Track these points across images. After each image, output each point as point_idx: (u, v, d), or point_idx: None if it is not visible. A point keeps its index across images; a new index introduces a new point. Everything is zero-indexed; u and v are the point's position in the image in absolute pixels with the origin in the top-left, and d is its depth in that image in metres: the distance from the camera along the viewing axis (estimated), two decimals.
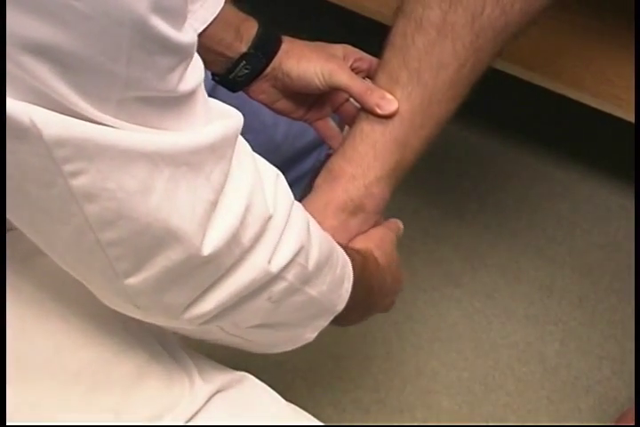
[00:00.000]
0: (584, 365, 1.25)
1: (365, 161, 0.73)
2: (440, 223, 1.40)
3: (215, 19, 0.74)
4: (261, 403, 0.65)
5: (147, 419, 0.60)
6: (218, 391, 0.63)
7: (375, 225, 0.77)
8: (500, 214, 1.41)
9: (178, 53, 0.45)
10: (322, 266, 0.60)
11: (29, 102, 0.41)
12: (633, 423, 1.08)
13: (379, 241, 0.75)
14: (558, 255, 1.37)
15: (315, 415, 0.68)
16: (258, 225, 0.53)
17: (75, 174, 0.44)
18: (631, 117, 1.08)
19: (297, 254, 0.56)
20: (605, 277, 1.35)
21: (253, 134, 0.93)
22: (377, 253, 0.73)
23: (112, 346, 0.61)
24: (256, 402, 0.65)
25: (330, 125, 0.84)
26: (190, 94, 0.48)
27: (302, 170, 0.97)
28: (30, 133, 0.41)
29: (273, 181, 0.56)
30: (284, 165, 0.96)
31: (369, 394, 1.21)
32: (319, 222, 0.67)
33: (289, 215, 0.56)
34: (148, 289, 0.51)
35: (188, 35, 0.45)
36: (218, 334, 0.59)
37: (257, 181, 0.53)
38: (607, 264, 1.36)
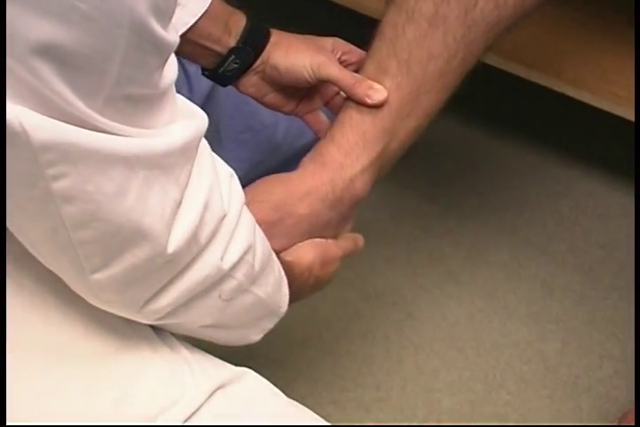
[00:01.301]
0: (585, 364, 1.25)
1: (355, 151, 0.73)
2: (440, 221, 1.39)
3: (204, 13, 0.74)
4: (263, 399, 0.66)
5: (148, 414, 0.60)
6: (219, 387, 0.63)
7: (346, 222, 0.77)
8: (500, 212, 1.41)
9: (165, 53, 0.47)
10: (265, 266, 0.62)
11: (23, 102, 0.42)
12: (633, 423, 1.07)
13: (328, 259, 0.75)
14: (559, 253, 1.37)
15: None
16: (214, 223, 0.55)
17: (57, 178, 0.45)
18: (631, 116, 1.08)
19: (246, 253, 0.59)
20: (606, 276, 1.35)
21: (253, 134, 0.93)
22: (317, 272, 0.74)
23: (113, 341, 0.61)
24: (258, 398, 0.65)
25: (320, 118, 0.84)
26: (165, 91, 0.49)
27: None
28: (19, 138, 0.42)
29: (227, 181, 0.58)
30: (283, 165, 0.96)
31: (369, 393, 1.21)
32: (292, 206, 0.70)
33: (240, 214, 0.58)
34: (112, 285, 0.53)
35: (172, 34, 0.47)
36: (173, 328, 0.62)
37: (214, 180, 0.55)
38: (608, 262, 1.36)
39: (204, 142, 0.55)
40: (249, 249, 0.59)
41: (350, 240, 0.79)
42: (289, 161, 0.97)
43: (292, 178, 0.74)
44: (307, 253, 0.73)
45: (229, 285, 0.59)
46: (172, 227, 0.52)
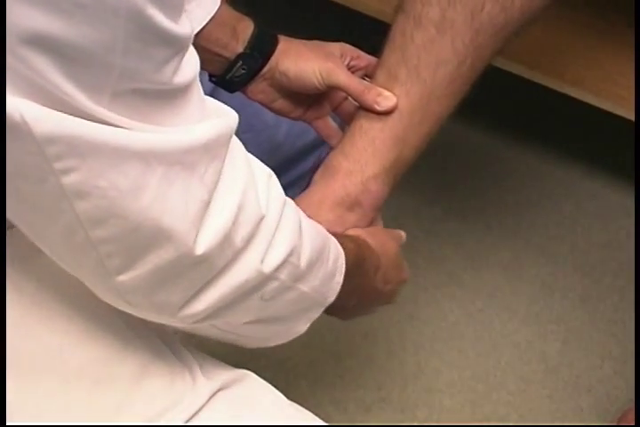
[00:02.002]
0: (585, 364, 1.25)
1: (364, 157, 0.73)
2: (442, 222, 1.39)
3: (211, 18, 0.74)
4: (264, 401, 0.66)
5: (149, 416, 0.60)
6: (220, 389, 0.63)
7: (372, 224, 0.77)
8: (501, 213, 1.41)
9: (173, 45, 0.45)
10: (314, 263, 0.60)
11: (23, 94, 0.41)
12: (633, 423, 1.08)
13: (373, 230, 0.75)
14: (560, 254, 1.37)
15: (316, 414, 0.69)
16: (250, 225, 0.53)
17: (66, 172, 0.44)
18: (632, 116, 1.08)
19: (290, 255, 0.56)
20: (607, 276, 1.35)
21: (255, 134, 0.93)
22: (370, 240, 0.73)
23: (115, 344, 0.61)
24: (258, 400, 0.65)
25: (329, 124, 0.84)
26: (185, 88, 0.48)
27: (304, 169, 0.96)
28: (21, 130, 0.41)
29: (266, 181, 0.56)
30: (285, 165, 0.96)
31: (370, 393, 1.21)
32: (315, 216, 0.67)
33: (281, 215, 0.56)
34: (139, 287, 0.51)
35: (184, 27, 0.45)
36: (210, 331, 0.60)
37: (250, 181, 0.53)
38: (609, 263, 1.36)
39: (237, 142, 0.54)
40: (293, 251, 0.56)
41: (395, 230, 0.79)
42: (290, 161, 0.97)
43: (304, 194, 0.74)
44: (355, 230, 0.73)
45: (272, 286, 0.57)
46: (201, 227, 0.50)
